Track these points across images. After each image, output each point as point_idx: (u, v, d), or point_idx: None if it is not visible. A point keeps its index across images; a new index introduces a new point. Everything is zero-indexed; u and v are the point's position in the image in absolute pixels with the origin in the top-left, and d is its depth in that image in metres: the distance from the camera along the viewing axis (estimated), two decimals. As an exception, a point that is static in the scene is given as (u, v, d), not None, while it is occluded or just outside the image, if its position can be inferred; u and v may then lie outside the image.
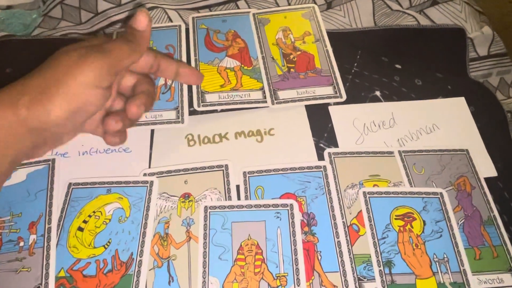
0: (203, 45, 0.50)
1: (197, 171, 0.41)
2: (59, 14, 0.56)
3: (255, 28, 0.51)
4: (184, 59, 0.49)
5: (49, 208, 0.38)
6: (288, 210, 0.38)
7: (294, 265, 0.36)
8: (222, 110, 0.45)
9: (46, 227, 0.37)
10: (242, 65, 0.48)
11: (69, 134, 0.38)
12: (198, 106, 0.45)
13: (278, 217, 0.38)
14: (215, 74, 0.47)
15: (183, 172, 0.41)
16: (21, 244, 0.36)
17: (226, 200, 0.39)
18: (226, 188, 0.40)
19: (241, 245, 0.37)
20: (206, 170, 0.41)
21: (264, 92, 0.46)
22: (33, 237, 0.36)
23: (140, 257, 0.36)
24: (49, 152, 0.42)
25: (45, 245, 0.36)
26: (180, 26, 0.51)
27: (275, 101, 0.45)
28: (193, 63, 0.48)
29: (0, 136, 0.31)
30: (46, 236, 0.36)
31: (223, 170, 0.41)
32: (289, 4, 0.56)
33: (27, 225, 0.37)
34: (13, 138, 0.31)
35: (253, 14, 0.53)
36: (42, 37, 0.52)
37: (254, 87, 0.46)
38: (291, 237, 0.37)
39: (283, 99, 0.45)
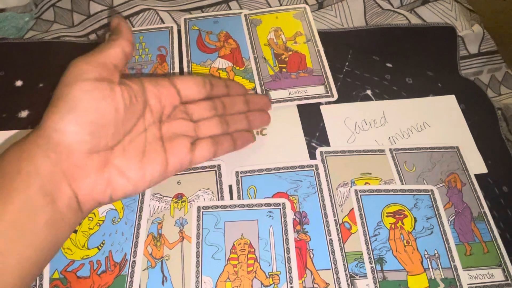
0: (195, 47, 0.50)
1: (190, 171, 0.41)
2: (52, 17, 0.56)
3: (246, 29, 0.51)
4: (176, 60, 0.49)
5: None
6: (280, 209, 0.38)
7: (286, 264, 0.36)
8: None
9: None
10: (234, 66, 0.48)
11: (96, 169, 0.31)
12: None
13: (270, 216, 0.38)
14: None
15: (176, 173, 0.41)
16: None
17: (218, 200, 0.39)
18: (218, 188, 0.40)
19: (233, 244, 0.37)
20: (199, 170, 0.41)
21: (256, 93, 0.46)
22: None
23: (134, 257, 0.36)
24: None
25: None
26: (172, 27, 0.52)
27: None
28: (185, 65, 0.48)
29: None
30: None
31: (215, 170, 0.41)
32: (281, 5, 0.57)
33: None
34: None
35: (245, 15, 0.53)
36: (34, 40, 0.53)
37: (246, 87, 0.46)
38: (284, 235, 0.37)
39: (275, 99, 0.46)
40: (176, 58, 0.49)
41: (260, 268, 0.36)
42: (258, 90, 0.46)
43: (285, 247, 0.37)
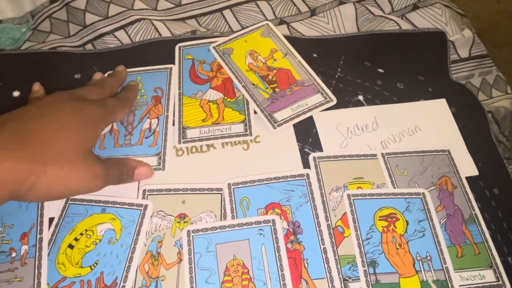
0: (188, 78, 0.49)
1: (196, 192, 0.41)
2: (48, 27, 0.57)
3: (222, 60, 0.50)
4: (171, 102, 0.47)
5: (40, 218, 0.39)
6: (270, 226, 0.38)
7: (281, 281, 0.36)
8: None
9: (38, 238, 0.38)
10: (225, 97, 0.47)
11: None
12: (179, 142, 0.44)
13: (261, 234, 0.38)
14: (197, 108, 0.46)
15: (182, 192, 0.41)
16: (13, 254, 0.37)
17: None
18: (222, 213, 0.40)
19: (227, 266, 0.37)
20: (204, 192, 0.41)
21: (246, 125, 0.45)
22: (24, 247, 0.37)
23: (124, 282, 0.36)
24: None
25: (37, 255, 0.37)
26: (171, 68, 0.50)
27: (276, 124, 0.44)
28: (176, 97, 0.47)
29: None
30: (37, 247, 0.37)
31: (221, 193, 0.41)
32: (242, 28, 0.56)
33: (19, 236, 0.38)
34: None
35: (214, 48, 0.51)
36: (31, 51, 0.53)
37: (236, 120, 0.45)
38: (276, 252, 0.37)
39: (282, 119, 0.45)
40: (172, 100, 0.47)
41: None
42: (261, 116, 0.45)
43: (278, 264, 0.37)
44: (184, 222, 0.39)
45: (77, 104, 0.37)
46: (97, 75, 0.46)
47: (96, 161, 0.36)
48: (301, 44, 0.52)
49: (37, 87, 0.43)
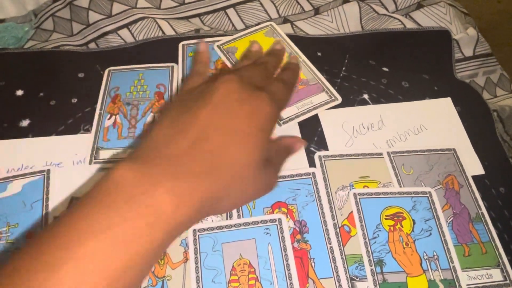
0: None
1: None
2: (51, 26, 0.57)
3: (226, 59, 0.50)
4: (174, 93, 0.47)
5: (45, 218, 0.38)
6: (277, 225, 0.38)
7: (288, 281, 0.36)
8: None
9: (43, 237, 0.37)
10: None
11: None
12: None
13: (267, 233, 0.38)
14: None
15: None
16: (18, 254, 0.37)
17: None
18: (228, 212, 0.39)
19: (233, 265, 0.36)
20: None
21: None
22: (29, 247, 0.37)
23: None
24: (43, 163, 0.42)
25: (42, 254, 0.37)
26: (173, 66, 0.50)
27: (281, 122, 0.44)
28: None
29: None
30: (42, 246, 0.37)
31: None
32: (246, 26, 0.56)
33: (23, 236, 0.37)
34: None
35: (218, 46, 0.51)
36: (34, 50, 0.53)
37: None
38: (282, 251, 0.37)
39: (287, 117, 0.45)
40: (174, 93, 0.47)
41: (262, 287, 0.36)
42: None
43: (285, 264, 0.36)
44: None
45: (250, 107, 0.33)
46: (255, 46, 0.42)
47: (269, 168, 0.35)
48: (306, 43, 0.52)
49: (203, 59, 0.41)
